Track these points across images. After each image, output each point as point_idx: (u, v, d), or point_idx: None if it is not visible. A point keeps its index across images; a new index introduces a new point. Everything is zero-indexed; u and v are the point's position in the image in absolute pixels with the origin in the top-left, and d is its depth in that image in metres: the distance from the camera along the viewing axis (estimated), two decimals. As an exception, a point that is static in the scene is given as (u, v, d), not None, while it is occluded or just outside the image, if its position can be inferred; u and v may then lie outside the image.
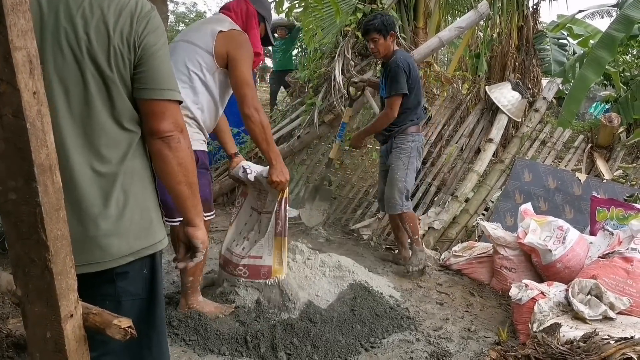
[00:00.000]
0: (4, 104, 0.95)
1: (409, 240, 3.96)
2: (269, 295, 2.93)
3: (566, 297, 2.87)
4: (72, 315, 1.11)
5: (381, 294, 3.30)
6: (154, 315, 1.56)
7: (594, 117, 11.09)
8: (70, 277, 1.10)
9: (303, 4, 3.48)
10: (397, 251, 4.27)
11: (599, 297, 2.80)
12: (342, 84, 4.94)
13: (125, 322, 1.12)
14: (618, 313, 2.76)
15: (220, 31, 2.66)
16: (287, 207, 2.86)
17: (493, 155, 5.10)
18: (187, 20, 19.17)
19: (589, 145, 4.90)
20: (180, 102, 1.47)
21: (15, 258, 1.07)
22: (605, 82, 10.80)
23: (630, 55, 10.82)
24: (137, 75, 1.40)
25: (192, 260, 1.63)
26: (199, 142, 2.74)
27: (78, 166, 1.37)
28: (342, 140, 4.46)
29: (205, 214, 2.74)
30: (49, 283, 1.06)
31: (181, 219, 1.61)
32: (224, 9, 2.90)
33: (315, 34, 4.22)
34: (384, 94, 3.86)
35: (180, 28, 18.88)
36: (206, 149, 2.85)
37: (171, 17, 17.39)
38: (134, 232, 1.44)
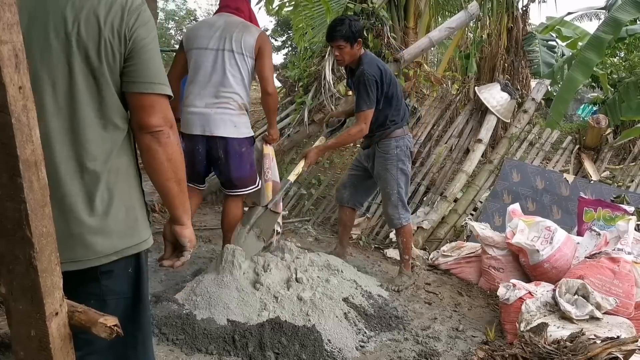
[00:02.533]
0: (-11, 98, 0.93)
1: (398, 259, 3.81)
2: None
3: (553, 297, 2.88)
4: (57, 313, 1.09)
5: (369, 293, 3.30)
6: (139, 314, 1.54)
7: (581, 119, 11.18)
8: (55, 274, 1.08)
9: (293, 3, 3.47)
10: (395, 254, 4.25)
11: (586, 297, 2.82)
12: (332, 83, 4.94)
13: (111, 321, 1.11)
14: (604, 313, 2.79)
15: (256, 38, 3.28)
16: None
17: (482, 156, 5.13)
18: (176, 18, 19.08)
19: (577, 146, 4.95)
20: (170, 97, 1.44)
21: (-1, 255, 1.06)
22: (593, 84, 10.89)
23: (617, 57, 10.93)
24: (126, 68, 1.37)
25: (179, 259, 1.60)
26: (249, 129, 3.47)
27: (63, 162, 1.34)
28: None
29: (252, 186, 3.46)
30: (33, 280, 1.04)
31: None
32: (233, 9, 3.35)
33: (306, 33, 4.22)
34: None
35: (169, 25, 18.78)
36: None
37: (161, 15, 17.29)
38: (119, 231, 1.42)
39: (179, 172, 1.47)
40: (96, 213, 1.38)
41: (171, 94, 1.45)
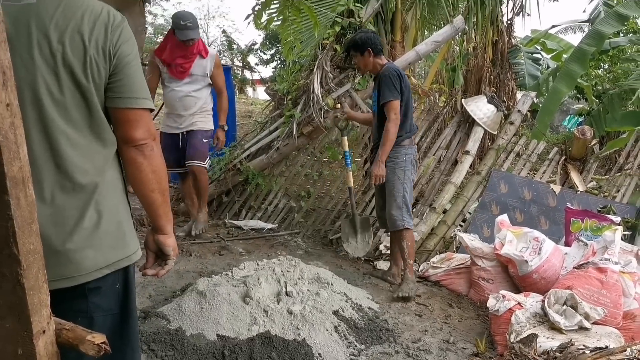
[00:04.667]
0: (-24, 115, 0.93)
1: (401, 263, 3.83)
2: None
3: (542, 308, 2.90)
4: (44, 331, 1.08)
5: (360, 305, 3.30)
6: (127, 330, 1.54)
7: (567, 130, 11.32)
8: (42, 292, 1.07)
9: (281, 17, 3.51)
10: (386, 267, 4.25)
11: (575, 307, 2.83)
12: (320, 96, 4.97)
13: (99, 338, 1.10)
14: (593, 323, 2.80)
15: None
16: None
17: (470, 167, 5.17)
18: (165, 32, 19.12)
19: (563, 157, 5.00)
20: (151, 110, 1.48)
21: (-15, 273, 1.05)
22: (578, 95, 11.04)
23: (602, 69, 11.09)
24: (111, 84, 1.40)
25: (164, 268, 1.62)
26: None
27: (53, 179, 1.35)
28: (351, 165, 4.65)
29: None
30: (20, 298, 1.03)
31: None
32: None
33: (294, 47, 4.25)
34: (376, 108, 3.86)
35: (159, 40, 18.79)
36: None
37: (150, 29, 17.27)
38: (109, 244, 1.43)
39: (163, 182, 1.51)
40: (87, 227, 1.38)
41: (153, 107, 1.49)
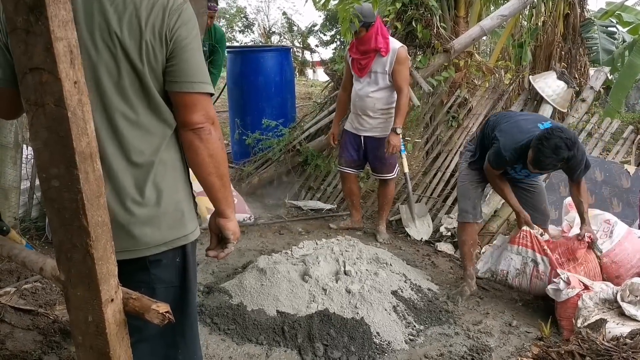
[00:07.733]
0: (46, 93, 0.98)
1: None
2: None
3: (614, 297, 2.74)
4: (112, 300, 1.14)
5: (419, 286, 3.27)
6: (186, 302, 1.60)
7: (644, 108, 10.63)
8: (110, 262, 1.13)
9: (340, -5, 3.48)
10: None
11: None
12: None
13: (163, 307, 1.14)
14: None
15: None
16: None
17: (537, 147, 4.96)
18: (227, 16, 19.36)
19: (639, 136, 4.71)
20: (211, 95, 1.48)
21: (58, 244, 1.11)
22: (657, 71, 10.30)
23: (684, 42, 10.30)
24: (169, 68, 1.42)
25: (224, 251, 1.64)
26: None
27: (112, 157, 1.40)
28: (405, 152, 4.48)
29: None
30: (90, 268, 1.09)
31: None
32: None
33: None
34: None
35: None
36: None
37: (211, 13, 17.49)
38: (167, 223, 1.48)
39: (221, 167, 1.51)
40: (145, 205, 1.44)
41: (212, 91, 1.49)
